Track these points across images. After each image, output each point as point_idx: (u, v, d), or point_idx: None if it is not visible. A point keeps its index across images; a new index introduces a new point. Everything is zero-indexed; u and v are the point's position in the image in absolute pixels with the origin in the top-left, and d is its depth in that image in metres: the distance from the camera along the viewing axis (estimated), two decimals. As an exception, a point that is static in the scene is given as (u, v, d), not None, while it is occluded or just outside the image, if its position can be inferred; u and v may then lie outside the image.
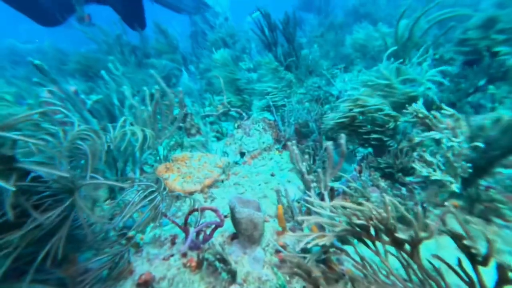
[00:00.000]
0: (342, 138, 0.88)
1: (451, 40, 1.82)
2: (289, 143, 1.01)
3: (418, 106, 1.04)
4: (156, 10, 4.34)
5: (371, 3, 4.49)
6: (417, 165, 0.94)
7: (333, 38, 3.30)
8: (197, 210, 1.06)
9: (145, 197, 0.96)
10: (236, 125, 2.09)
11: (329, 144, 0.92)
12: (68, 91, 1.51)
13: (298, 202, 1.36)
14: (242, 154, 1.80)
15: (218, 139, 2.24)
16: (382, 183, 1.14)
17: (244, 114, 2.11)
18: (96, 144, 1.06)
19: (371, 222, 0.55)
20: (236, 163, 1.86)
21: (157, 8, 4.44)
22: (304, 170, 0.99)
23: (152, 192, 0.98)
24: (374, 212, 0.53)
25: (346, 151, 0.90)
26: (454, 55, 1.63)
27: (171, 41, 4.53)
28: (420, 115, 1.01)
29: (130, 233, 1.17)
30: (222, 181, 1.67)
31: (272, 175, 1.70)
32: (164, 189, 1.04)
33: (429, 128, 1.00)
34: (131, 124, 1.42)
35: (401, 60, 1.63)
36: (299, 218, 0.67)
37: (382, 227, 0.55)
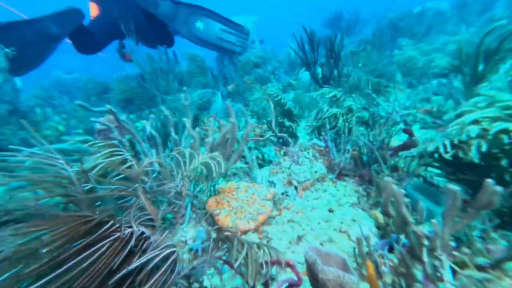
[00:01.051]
0: (489, 185, 0.67)
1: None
2: (387, 179, 0.83)
3: None
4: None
5: (413, 17, 4.33)
6: None
7: (377, 55, 3.15)
8: (274, 262, 0.90)
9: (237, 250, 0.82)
10: (282, 152, 1.95)
11: (451, 187, 0.73)
12: (127, 122, 1.49)
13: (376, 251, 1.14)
14: (296, 188, 1.64)
15: (260, 166, 2.11)
16: (496, 236, 0.91)
17: (290, 140, 1.98)
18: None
19: None
20: (287, 195, 1.70)
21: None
22: (410, 219, 0.79)
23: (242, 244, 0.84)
24: None
25: (496, 200, 0.68)
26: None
27: (201, 64, 4.68)
28: None
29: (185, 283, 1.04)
30: (274, 217, 1.51)
31: (331, 210, 1.51)
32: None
33: None
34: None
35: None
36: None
37: None
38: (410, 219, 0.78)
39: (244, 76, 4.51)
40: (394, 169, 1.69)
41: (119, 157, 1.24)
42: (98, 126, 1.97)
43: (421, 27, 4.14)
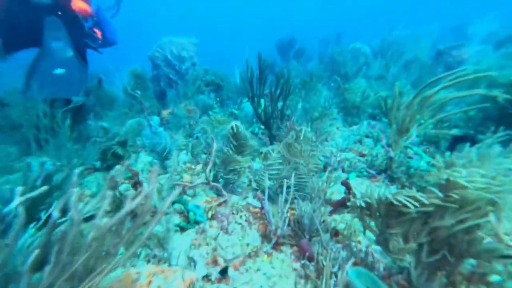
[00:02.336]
0: None
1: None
2: None
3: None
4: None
5: (350, 55, 4.74)
6: None
7: (319, 89, 3.16)
8: None
9: None
10: (209, 214, 1.55)
11: None
12: None
13: None
14: (223, 272, 1.25)
15: (182, 229, 1.64)
16: None
17: (225, 193, 1.60)
18: None
19: None
20: (208, 278, 1.28)
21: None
22: None
23: None
24: None
25: None
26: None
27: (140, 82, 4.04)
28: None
29: None
30: (186, 328, 1.06)
31: (263, 304, 1.16)
32: None
33: None
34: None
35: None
36: None
37: None
38: None
39: (183, 101, 4.05)
40: (335, 233, 1.49)
41: None
42: None
43: (353, 66, 4.59)
